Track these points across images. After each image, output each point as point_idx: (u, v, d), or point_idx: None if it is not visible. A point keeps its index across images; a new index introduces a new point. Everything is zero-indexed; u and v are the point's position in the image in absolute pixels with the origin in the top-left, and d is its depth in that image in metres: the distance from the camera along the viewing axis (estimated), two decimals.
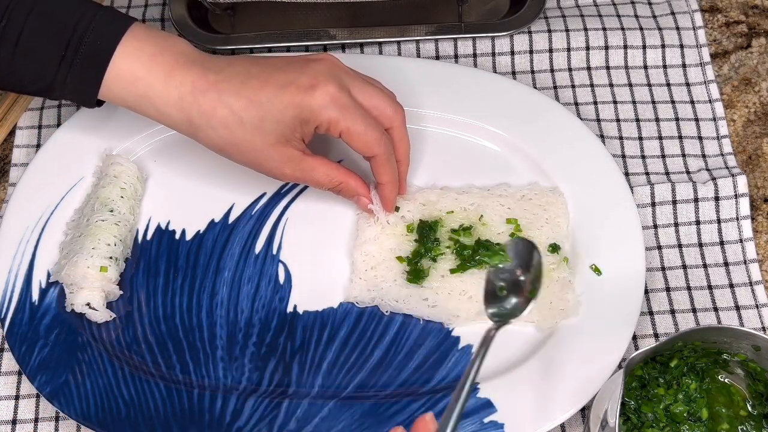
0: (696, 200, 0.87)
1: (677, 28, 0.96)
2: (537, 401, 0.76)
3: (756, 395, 0.72)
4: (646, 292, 0.83)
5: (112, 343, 0.80)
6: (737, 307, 0.83)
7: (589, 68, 0.95)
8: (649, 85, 0.94)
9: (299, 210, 0.86)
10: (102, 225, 0.81)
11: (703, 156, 0.90)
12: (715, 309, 0.83)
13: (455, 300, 0.80)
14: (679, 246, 0.86)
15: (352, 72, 0.79)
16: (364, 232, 0.83)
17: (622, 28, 0.95)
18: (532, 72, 0.95)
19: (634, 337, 0.81)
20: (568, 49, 0.95)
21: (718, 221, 0.86)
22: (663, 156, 0.90)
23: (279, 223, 0.86)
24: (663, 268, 0.85)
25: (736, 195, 0.86)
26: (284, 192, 0.87)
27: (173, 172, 0.88)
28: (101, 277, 0.79)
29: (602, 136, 0.91)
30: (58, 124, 0.92)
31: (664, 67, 0.95)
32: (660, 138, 0.91)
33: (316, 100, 0.75)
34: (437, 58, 0.95)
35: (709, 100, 0.93)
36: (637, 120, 0.92)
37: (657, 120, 0.92)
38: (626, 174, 0.89)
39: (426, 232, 0.83)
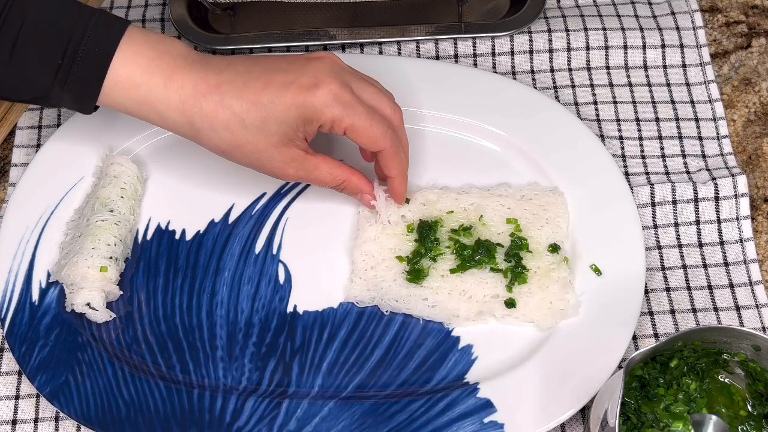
0: (696, 200, 0.87)
1: (677, 28, 0.96)
2: (537, 401, 0.75)
3: (756, 395, 0.72)
4: (646, 292, 0.83)
5: (112, 343, 0.80)
6: (737, 307, 0.83)
7: (589, 68, 0.95)
8: (649, 85, 0.94)
9: (299, 210, 0.86)
10: (102, 225, 0.81)
11: (703, 156, 0.90)
12: (715, 309, 0.83)
13: (455, 300, 0.80)
14: (679, 246, 0.86)
15: (352, 70, 0.79)
16: (364, 231, 0.83)
17: (622, 28, 0.95)
18: (532, 72, 0.95)
19: (634, 337, 0.81)
20: (568, 49, 0.95)
21: (718, 221, 0.86)
22: (663, 156, 0.90)
23: (279, 223, 0.86)
24: (663, 268, 0.85)
25: (736, 195, 0.86)
26: (284, 192, 0.87)
27: (173, 172, 0.88)
28: (101, 277, 0.79)
29: (602, 136, 0.91)
30: (58, 124, 0.92)
31: (664, 67, 0.95)
32: (660, 138, 0.91)
33: (318, 99, 0.75)
34: (437, 58, 0.95)
35: (709, 100, 0.93)
36: (637, 120, 0.92)
37: (657, 120, 0.92)
38: (626, 174, 0.89)
39: (426, 231, 0.83)
